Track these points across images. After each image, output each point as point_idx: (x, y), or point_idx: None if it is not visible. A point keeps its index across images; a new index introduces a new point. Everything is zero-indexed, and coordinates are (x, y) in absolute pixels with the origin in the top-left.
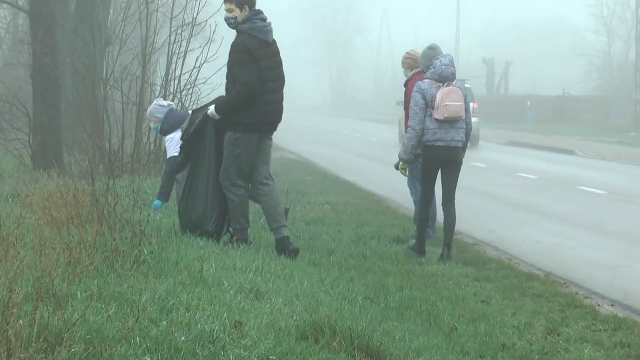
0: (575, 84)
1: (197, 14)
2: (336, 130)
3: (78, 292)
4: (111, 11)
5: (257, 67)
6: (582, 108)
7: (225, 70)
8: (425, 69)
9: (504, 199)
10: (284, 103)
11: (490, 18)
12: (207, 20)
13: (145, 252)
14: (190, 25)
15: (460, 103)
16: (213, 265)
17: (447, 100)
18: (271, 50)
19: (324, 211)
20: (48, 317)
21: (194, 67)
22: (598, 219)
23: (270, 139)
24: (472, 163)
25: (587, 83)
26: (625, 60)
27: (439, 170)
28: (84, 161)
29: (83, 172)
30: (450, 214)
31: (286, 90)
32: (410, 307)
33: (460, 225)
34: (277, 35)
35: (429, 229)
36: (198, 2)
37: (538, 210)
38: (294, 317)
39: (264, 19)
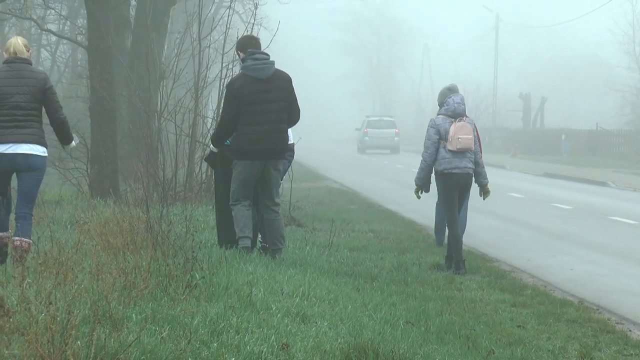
0: (609, 119)
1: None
2: (378, 160)
3: (133, 315)
4: (165, 47)
5: (238, 103)
6: (615, 141)
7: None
8: (440, 106)
9: (540, 228)
10: (289, 134)
11: (527, 55)
12: None
13: (197, 277)
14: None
15: (470, 136)
16: (261, 290)
17: (459, 134)
18: (265, 87)
19: (367, 239)
20: (105, 339)
21: None
22: (630, 248)
23: (276, 169)
24: (509, 194)
25: (620, 118)
26: None
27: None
28: (139, 190)
29: (138, 200)
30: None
31: (330, 122)
32: (450, 331)
33: (497, 253)
34: (322, 70)
35: (441, 235)
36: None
37: (572, 239)
38: (339, 340)
39: (258, 59)
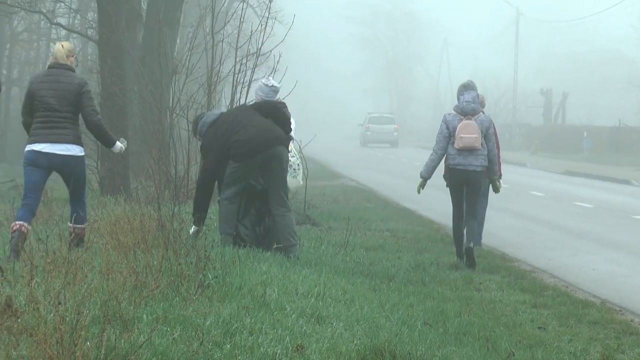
0: (631, 115)
1: (261, 45)
2: (396, 158)
3: (144, 315)
4: (178, 41)
5: (220, 150)
6: (638, 138)
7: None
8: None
9: (561, 227)
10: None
11: (547, 50)
12: (271, 51)
13: (210, 276)
14: (255, 55)
15: (475, 135)
16: (276, 290)
17: (462, 133)
18: (227, 116)
19: (384, 238)
20: (115, 340)
21: None
22: None
23: (279, 165)
24: (530, 192)
25: None
26: None
27: (464, 189)
28: (150, 187)
29: (149, 198)
30: (471, 228)
31: (346, 118)
32: (469, 333)
33: (518, 252)
34: (337, 65)
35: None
36: (262, 33)
37: (594, 238)
38: (355, 342)
39: (203, 114)
